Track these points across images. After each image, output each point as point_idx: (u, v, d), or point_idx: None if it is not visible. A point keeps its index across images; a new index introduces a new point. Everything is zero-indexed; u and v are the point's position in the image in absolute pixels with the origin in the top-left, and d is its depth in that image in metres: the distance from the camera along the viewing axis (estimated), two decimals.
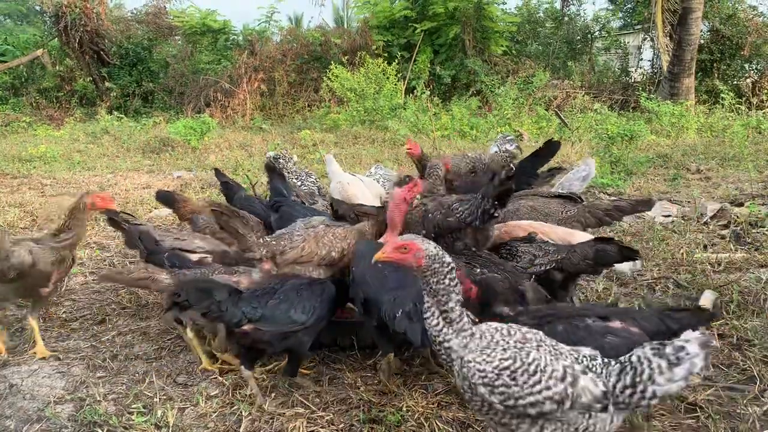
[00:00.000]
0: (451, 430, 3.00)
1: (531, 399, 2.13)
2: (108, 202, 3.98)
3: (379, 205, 4.68)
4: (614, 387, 2.19)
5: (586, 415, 2.19)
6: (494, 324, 2.35)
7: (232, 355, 3.69)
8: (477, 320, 2.39)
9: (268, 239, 3.77)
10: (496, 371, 2.16)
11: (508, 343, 2.25)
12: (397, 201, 3.54)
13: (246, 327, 3.08)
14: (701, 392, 3.25)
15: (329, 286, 3.38)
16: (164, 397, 3.34)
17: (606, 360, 2.28)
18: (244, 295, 3.17)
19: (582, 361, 2.25)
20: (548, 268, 3.46)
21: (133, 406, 3.24)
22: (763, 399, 3.18)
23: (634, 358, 2.21)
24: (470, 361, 2.21)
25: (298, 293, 3.22)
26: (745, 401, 3.16)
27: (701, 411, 3.09)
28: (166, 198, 4.88)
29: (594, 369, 2.24)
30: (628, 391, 2.17)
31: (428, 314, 2.34)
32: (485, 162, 5.59)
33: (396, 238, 2.49)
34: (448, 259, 2.36)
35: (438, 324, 2.32)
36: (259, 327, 3.08)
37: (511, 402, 2.15)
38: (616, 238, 3.92)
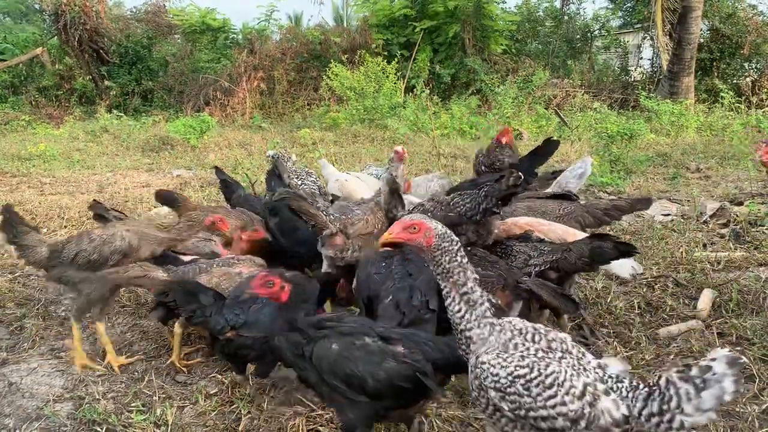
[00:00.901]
0: (450, 428, 3.00)
1: (543, 413, 2.02)
2: (225, 226, 3.85)
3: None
4: (640, 413, 2.02)
5: None
6: (518, 324, 2.21)
7: None
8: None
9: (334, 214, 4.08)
10: (510, 378, 2.05)
11: (528, 349, 2.12)
12: None
13: (229, 334, 3.05)
14: None
15: (313, 284, 3.37)
16: (163, 395, 3.33)
17: (635, 383, 2.11)
18: (228, 302, 3.14)
19: (607, 381, 2.10)
20: (543, 268, 3.45)
21: (132, 404, 3.23)
22: (762, 398, 3.19)
23: (662, 382, 2.03)
24: (484, 362, 2.11)
25: None
26: (744, 400, 3.16)
27: None
28: (167, 198, 4.86)
29: (619, 390, 2.08)
30: (654, 420, 1.99)
31: (449, 300, 2.21)
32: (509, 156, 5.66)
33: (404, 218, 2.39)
34: (455, 237, 2.28)
35: (460, 310, 2.19)
36: (241, 333, 3.05)
37: (522, 412, 2.05)
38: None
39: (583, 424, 2.01)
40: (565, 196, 4.55)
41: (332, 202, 5.06)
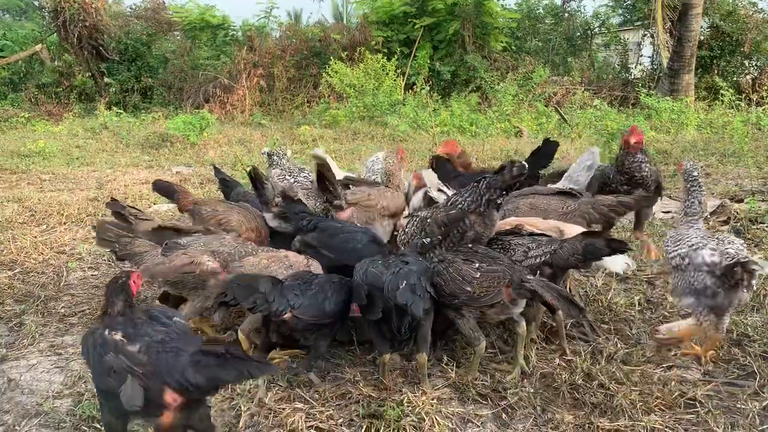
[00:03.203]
0: (450, 425, 3.00)
1: None
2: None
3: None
4: None
5: None
6: None
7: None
8: None
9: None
10: None
11: None
12: None
13: (286, 315, 3.13)
14: (701, 387, 3.25)
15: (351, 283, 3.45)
16: None
17: None
18: (286, 284, 3.25)
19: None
20: (543, 260, 3.45)
21: None
22: (762, 394, 3.19)
23: None
24: None
25: (331, 287, 3.33)
26: (744, 397, 3.17)
27: (701, 406, 3.10)
28: (165, 188, 4.79)
29: None
30: None
31: None
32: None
33: None
34: None
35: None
36: (297, 315, 3.15)
37: None
38: (615, 233, 3.91)
39: None
40: (569, 193, 4.49)
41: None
